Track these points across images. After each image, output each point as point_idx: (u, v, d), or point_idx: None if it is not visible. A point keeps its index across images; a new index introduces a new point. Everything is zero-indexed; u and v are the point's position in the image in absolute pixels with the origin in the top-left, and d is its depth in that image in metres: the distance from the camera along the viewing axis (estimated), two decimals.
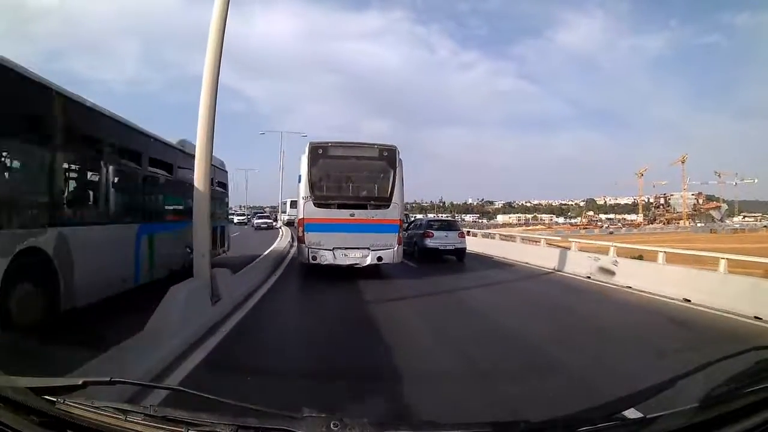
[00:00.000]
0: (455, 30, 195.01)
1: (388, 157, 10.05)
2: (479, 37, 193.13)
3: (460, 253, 14.31)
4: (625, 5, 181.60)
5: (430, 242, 13.93)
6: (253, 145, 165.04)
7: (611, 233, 61.15)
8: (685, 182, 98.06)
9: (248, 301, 7.31)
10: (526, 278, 11.29)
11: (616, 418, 1.11)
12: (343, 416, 1.07)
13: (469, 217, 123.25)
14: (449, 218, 23.46)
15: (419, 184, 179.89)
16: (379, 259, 9.88)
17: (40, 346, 3.92)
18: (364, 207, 9.92)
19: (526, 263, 13.51)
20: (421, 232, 14.38)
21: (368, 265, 9.94)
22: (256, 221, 36.29)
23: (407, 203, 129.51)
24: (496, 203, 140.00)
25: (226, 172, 14.15)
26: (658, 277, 8.87)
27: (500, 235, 19.73)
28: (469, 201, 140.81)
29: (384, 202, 9.94)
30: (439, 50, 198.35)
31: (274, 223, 35.79)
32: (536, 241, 16.18)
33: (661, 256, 9.25)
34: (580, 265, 11.23)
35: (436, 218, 20.17)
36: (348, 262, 9.79)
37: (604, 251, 11.20)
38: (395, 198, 9.95)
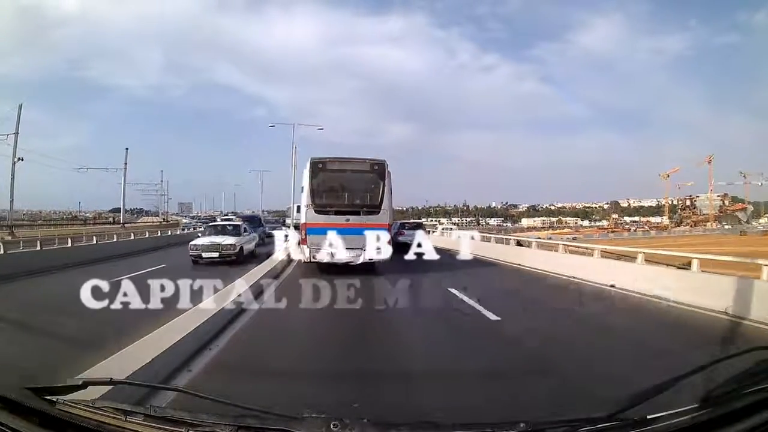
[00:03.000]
0: (475, 33, 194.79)
1: (378, 170, 11.36)
2: (499, 41, 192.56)
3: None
4: (643, 6, 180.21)
5: (401, 238, 16.82)
6: (274, 149, 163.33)
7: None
8: (711, 183, 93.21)
9: None
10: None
11: (617, 418, 1.11)
12: (342, 416, 1.07)
13: (493, 221, 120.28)
14: (418, 221, 28.26)
15: (442, 188, 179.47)
16: (371, 258, 10.99)
17: None
18: (357, 213, 11.15)
19: (667, 301, 7.44)
20: (396, 230, 17.34)
21: (361, 263, 10.95)
22: (199, 242, 14.57)
23: (431, 207, 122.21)
24: (520, 206, 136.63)
25: None
26: None
27: (602, 251, 11.79)
28: (493, 204, 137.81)
29: (375, 208, 11.19)
30: (459, 54, 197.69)
31: (253, 245, 16.53)
32: (682, 264, 9.82)
33: None
34: None
35: (407, 221, 23.98)
36: (344, 261, 10.86)
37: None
38: (384, 205, 11.21)
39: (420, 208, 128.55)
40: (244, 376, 4.05)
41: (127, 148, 47.40)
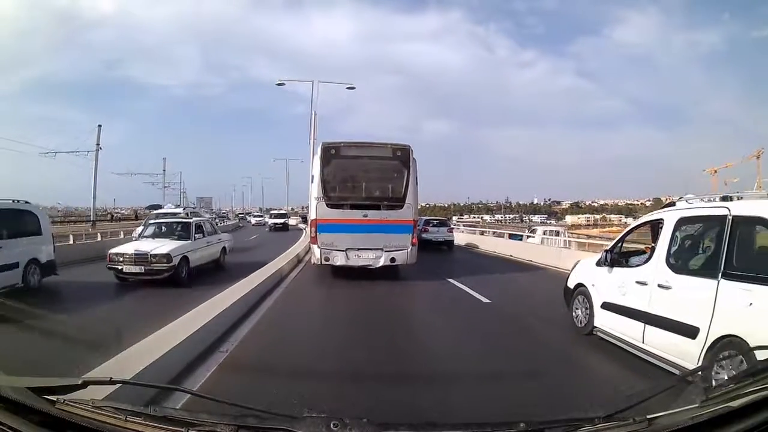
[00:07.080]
0: (513, 29, 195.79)
1: (402, 156, 9.78)
2: (537, 36, 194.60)
3: (449, 243, 18.41)
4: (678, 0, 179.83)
5: (426, 235, 17.23)
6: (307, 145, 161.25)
7: None
8: (759, 179, 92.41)
9: None
10: None
11: (617, 418, 1.11)
12: (342, 416, 1.07)
13: (536, 218, 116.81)
14: (442, 218, 26.70)
15: (484, 185, 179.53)
16: (392, 260, 9.63)
17: None
18: (377, 207, 9.65)
19: None
20: (421, 227, 17.15)
21: (381, 266, 9.61)
22: None
23: (473, 204, 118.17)
24: (563, 203, 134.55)
25: None
26: None
27: None
28: (536, 201, 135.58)
29: (398, 202, 9.67)
30: (497, 50, 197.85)
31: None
32: None
33: None
34: None
35: (431, 218, 23.15)
36: (361, 263, 9.61)
37: None
38: (409, 198, 9.66)
39: (462, 204, 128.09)
40: (247, 378, 4.00)
41: (99, 125, 33.78)
